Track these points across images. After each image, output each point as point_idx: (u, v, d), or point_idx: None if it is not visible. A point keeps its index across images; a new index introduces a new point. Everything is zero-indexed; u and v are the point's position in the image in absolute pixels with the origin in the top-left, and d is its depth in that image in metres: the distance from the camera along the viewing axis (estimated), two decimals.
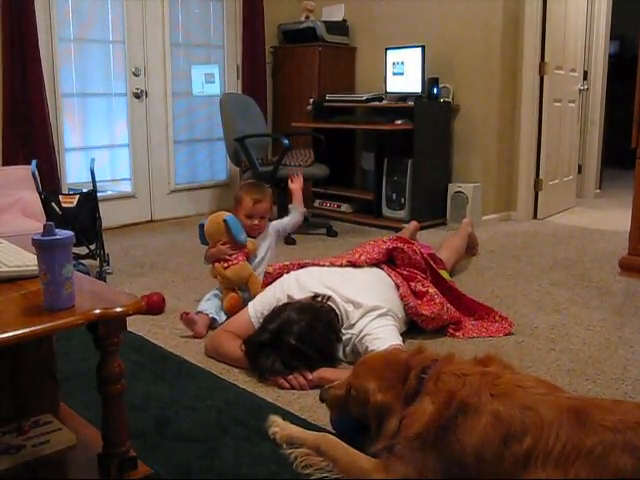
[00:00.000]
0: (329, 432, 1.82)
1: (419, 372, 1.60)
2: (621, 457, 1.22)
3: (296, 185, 3.40)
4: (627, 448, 1.22)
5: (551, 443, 1.30)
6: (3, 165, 4.32)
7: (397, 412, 1.57)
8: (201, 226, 2.99)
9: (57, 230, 1.36)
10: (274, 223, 3.22)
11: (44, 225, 1.36)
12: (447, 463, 1.43)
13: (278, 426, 1.84)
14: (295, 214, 3.27)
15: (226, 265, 2.90)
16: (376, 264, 2.75)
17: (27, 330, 1.27)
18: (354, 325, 2.39)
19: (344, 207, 5.36)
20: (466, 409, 1.43)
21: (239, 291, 2.92)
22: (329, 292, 2.44)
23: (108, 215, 4.27)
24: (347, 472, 1.63)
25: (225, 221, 2.88)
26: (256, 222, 3.03)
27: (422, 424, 1.47)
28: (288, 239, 4.25)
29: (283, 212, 4.74)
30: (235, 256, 2.91)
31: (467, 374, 1.51)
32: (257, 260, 3.04)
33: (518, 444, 1.33)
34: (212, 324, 2.78)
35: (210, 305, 2.86)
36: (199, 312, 2.79)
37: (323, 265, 2.70)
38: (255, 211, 3.02)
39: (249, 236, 3.00)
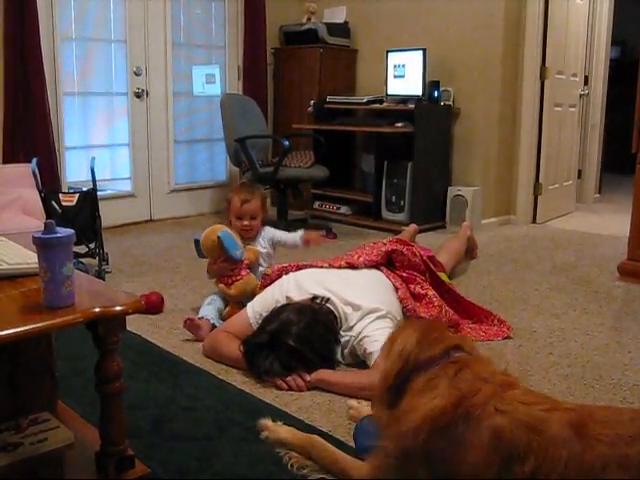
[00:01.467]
0: (322, 434, 1.82)
1: (451, 345, 1.52)
2: (616, 472, 1.22)
3: (315, 243, 3.18)
4: (622, 463, 1.23)
5: (554, 463, 1.28)
6: (3, 163, 4.32)
7: (412, 361, 1.50)
8: (196, 241, 2.88)
9: (58, 228, 1.36)
10: (273, 231, 3.11)
11: (45, 223, 1.36)
12: (439, 476, 1.38)
13: (268, 429, 1.85)
14: (294, 242, 3.09)
15: (230, 282, 2.82)
16: (375, 266, 2.75)
17: (26, 328, 1.27)
18: (353, 327, 2.39)
19: (343, 209, 5.36)
20: (468, 420, 1.37)
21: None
22: (328, 294, 2.44)
23: (108, 214, 4.27)
24: (336, 474, 1.63)
25: (219, 238, 2.78)
26: (246, 223, 2.97)
27: (422, 418, 1.40)
28: None
29: (282, 214, 4.75)
30: (237, 271, 2.83)
31: (487, 380, 1.43)
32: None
33: (520, 466, 1.30)
34: (212, 329, 2.76)
35: (210, 310, 2.81)
36: (200, 318, 2.74)
37: (322, 267, 2.70)
38: (243, 212, 2.97)
39: (245, 239, 2.95)
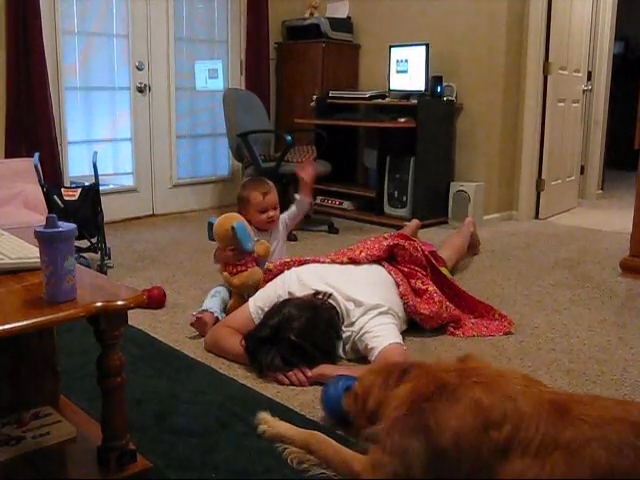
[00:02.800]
0: (323, 429, 1.83)
1: (407, 367, 1.64)
2: (597, 451, 1.24)
3: (306, 174, 3.25)
4: (603, 442, 1.25)
5: (530, 434, 1.31)
6: (6, 157, 4.32)
7: (377, 394, 1.63)
8: (210, 224, 2.89)
9: (60, 222, 1.36)
10: (282, 216, 3.18)
11: (47, 217, 1.36)
12: (429, 450, 1.42)
13: (267, 423, 1.84)
14: (301, 204, 3.22)
15: (235, 271, 2.81)
16: (377, 261, 2.75)
17: (28, 322, 1.27)
18: (354, 323, 2.39)
19: (346, 204, 5.36)
20: (445, 391, 1.44)
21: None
22: (330, 289, 2.44)
23: (110, 209, 4.27)
24: (337, 471, 1.64)
25: (233, 228, 2.77)
26: (271, 214, 3.03)
27: (399, 403, 1.49)
28: (289, 235, 4.24)
29: (284, 208, 4.74)
30: (244, 262, 2.82)
31: (451, 370, 1.54)
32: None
33: (497, 432, 1.34)
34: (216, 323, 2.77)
35: (215, 303, 2.80)
36: (204, 310, 2.74)
37: (324, 262, 2.69)
38: (267, 203, 3.02)
39: (265, 231, 3.01)
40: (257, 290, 2.67)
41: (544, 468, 1.27)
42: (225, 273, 2.86)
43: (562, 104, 5.35)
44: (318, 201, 5.51)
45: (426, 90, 4.94)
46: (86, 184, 3.72)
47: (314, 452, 1.70)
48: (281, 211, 3.21)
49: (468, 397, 1.40)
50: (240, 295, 2.81)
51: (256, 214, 3.02)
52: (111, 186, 5.04)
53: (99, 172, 3.65)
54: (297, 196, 3.27)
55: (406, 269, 2.77)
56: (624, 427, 1.26)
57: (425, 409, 1.44)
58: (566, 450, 1.26)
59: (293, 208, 3.23)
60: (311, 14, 5.76)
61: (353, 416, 1.75)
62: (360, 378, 1.75)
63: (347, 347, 2.42)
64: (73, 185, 3.96)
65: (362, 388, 1.69)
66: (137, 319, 2.80)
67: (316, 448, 1.70)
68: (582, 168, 6.14)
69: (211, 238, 2.92)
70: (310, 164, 3.32)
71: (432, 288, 2.75)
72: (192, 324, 2.68)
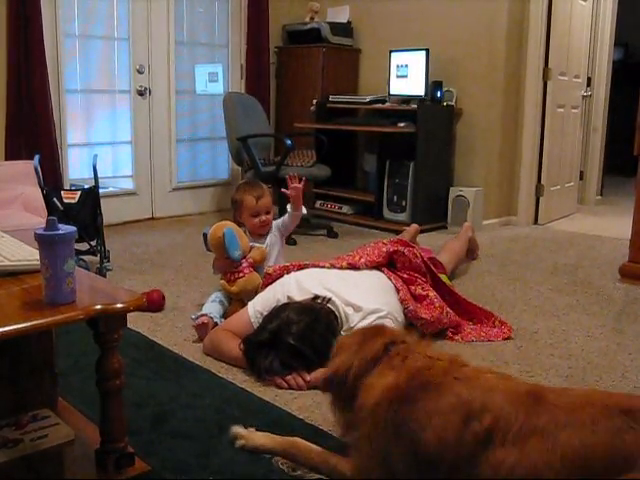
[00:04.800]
0: (322, 434, 1.82)
1: (387, 342, 1.62)
2: (571, 434, 1.29)
3: (293, 192, 3.09)
4: (576, 426, 1.30)
5: (510, 423, 1.34)
6: (6, 160, 4.32)
7: (354, 369, 1.59)
8: (204, 235, 2.89)
9: (60, 225, 1.37)
10: (276, 221, 3.16)
11: (47, 220, 1.36)
12: (409, 446, 1.42)
13: (243, 437, 1.80)
14: (291, 217, 3.11)
15: (232, 279, 2.81)
16: (376, 267, 2.75)
17: (28, 324, 1.27)
18: (353, 328, 2.38)
19: (345, 208, 5.36)
20: (426, 388, 1.45)
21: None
22: (329, 294, 2.44)
23: (109, 212, 4.27)
24: (327, 474, 1.63)
25: (223, 234, 2.77)
26: (264, 218, 3.01)
27: (378, 394, 1.49)
28: (288, 240, 4.24)
29: (283, 212, 4.74)
30: (240, 268, 2.82)
31: (439, 359, 1.54)
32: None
33: (478, 423, 1.36)
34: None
35: (214, 307, 2.79)
36: (203, 314, 2.72)
37: (323, 266, 2.69)
38: (259, 208, 3.00)
39: (259, 235, 2.98)
40: (256, 295, 2.67)
41: (522, 453, 1.31)
42: (222, 281, 2.85)
43: (562, 110, 5.36)
44: (318, 205, 5.52)
45: (426, 95, 4.94)
46: (86, 187, 3.72)
47: (297, 460, 1.69)
48: (281, 214, 3.20)
49: (450, 393, 1.43)
50: (240, 300, 2.81)
51: (249, 218, 3.01)
52: (111, 189, 5.04)
53: (99, 175, 3.66)
54: (289, 208, 3.16)
55: (406, 275, 2.77)
56: (595, 410, 1.32)
57: (407, 409, 1.44)
58: (543, 434, 1.31)
59: (286, 218, 3.15)
60: (311, 19, 5.77)
61: (331, 396, 1.71)
62: (338, 350, 1.71)
63: None
64: (73, 188, 3.96)
65: (340, 365, 1.65)
66: (136, 322, 2.80)
67: (299, 456, 1.69)
68: (581, 174, 6.15)
69: (208, 249, 2.91)
70: (294, 180, 3.15)
71: (432, 294, 2.75)
72: (194, 326, 2.68)
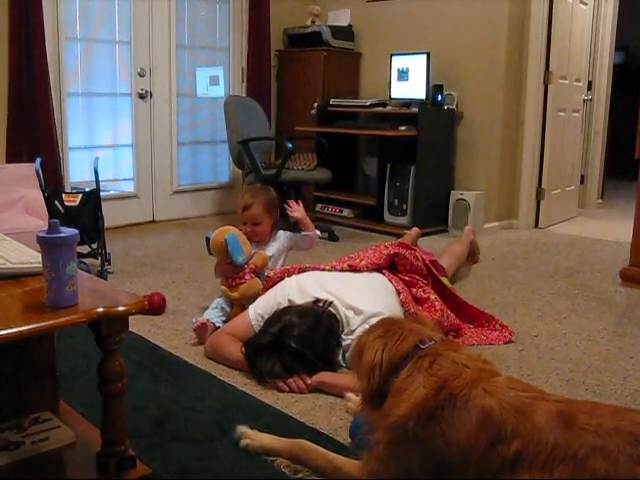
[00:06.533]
0: (323, 437, 1.82)
1: (418, 340, 1.55)
2: (598, 460, 1.27)
3: (297, 214, 3.09)
4: (604, 452, 1.27)
5: (539, 447, 1.32)
6: (7, 162, 4.32)
7: (385, 364, 1.54)
8: (207, 239, 2.87)
9: (62, 228, 1.37)
10: (289, 234, 3.08)
11: (49, 223, 1.36)
12: (431, 460, 1.40)
13: (249, 437, 1.80)
14: (304, 240, 3.08)
15: (234, 284, 2.80)
16: (377, 269, 2.75)
17: (29, 327, 1.27)
18: (354, 331, 2.38)
19: (346, 212, 5.36)
20: (455, 402, 1.40)
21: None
22: (330, 297, 2.44)
23: (110, 215, 4.27)
24: (331, 476, 1.62)
25: (225, 240, 2.75)
26: (249, 229, 2.93)
27: (408, 407, 1.44)
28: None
29: (284, 217, 4.75)
30: (242, 274, 2.80)
31: (466, 365, 1.47)
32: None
33: (507, 446, 1.33)
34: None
35: (215, 314, 2.79)
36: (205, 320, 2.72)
37: (324, 269, 2.70)
38: (245, 217, 2.95)
39: (254, 243, 2.94)
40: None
41: (552, 478, 1.28)
42: (223, 287, 2.84)
43: (562, 113, 5.36)
44: (318, 209, 5.52)
45: (427, 98, 4.95)
46: (87, 190, 3.72)
47: (303, 462, 1.68)
48: (282, 217, 3.18)
49: (478, 407, 1.38)
50: (241, 305, 2.80)
51: (241, 224, 2.98)
52: (112, 192, 5.04)
53: (100, 178, 3.66)
54: (302, 234, 3.10)
55: (407, 278, 2.77)
56: (621, 437, 1.28)
57: (434, 425, 1.40)
58: (572, 461, 1.28)
59: (299, 239, 3.08)
60: (312, 22, 5.77)
61: (362, 395, 1.65)
62: (366, 347, 1.61)
63: (347, 355, 2.41)
64: (74, 191, 3.97)
65: (369, 358, 1.57)
66: (137, 325, 2.80)
67: (305, 458, 1.69)
68: (582, 177, 6.15)
69: (210, 252, 2.89)
70: (292, 203, 3.14)
71: (433, 297, 2.75)
72: (193, 329, 2.68)
